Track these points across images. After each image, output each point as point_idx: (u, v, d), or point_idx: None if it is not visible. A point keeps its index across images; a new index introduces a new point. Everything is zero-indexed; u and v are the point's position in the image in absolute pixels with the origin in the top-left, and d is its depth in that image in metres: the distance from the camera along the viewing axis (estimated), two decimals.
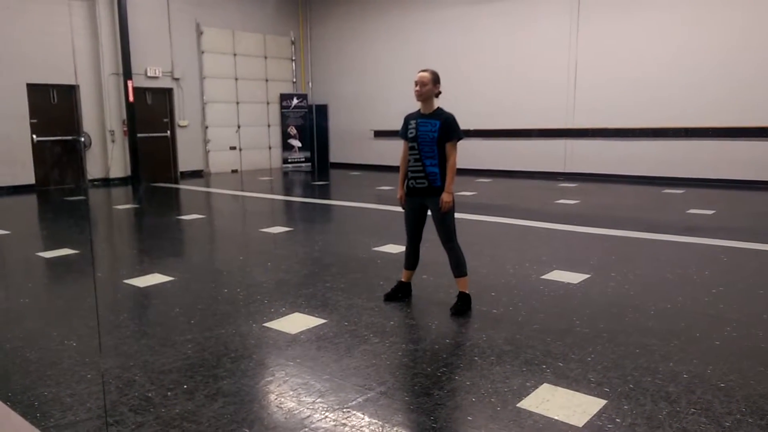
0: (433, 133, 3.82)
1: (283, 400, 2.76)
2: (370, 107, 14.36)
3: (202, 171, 13.84)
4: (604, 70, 10.99)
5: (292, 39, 15.33)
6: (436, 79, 3.88)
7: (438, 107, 3.91)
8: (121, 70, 11.97)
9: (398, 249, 5.56)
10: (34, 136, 11.16)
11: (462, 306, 3.90)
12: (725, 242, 5.78)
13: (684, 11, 10.10)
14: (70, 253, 5.86)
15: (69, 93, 11.59)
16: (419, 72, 3.90)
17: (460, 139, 3.86)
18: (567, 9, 11.28)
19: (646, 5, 10.43)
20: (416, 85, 3.87)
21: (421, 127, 3.86)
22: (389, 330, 3.63)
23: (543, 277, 4.71)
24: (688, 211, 7.62)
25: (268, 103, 15.04)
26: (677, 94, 10.28)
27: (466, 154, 12.47)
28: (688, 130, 10.30)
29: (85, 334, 3.62)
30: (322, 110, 15.63)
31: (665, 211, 7.83)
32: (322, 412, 2.63)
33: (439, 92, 3.92)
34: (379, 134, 14.30)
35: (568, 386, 2.83)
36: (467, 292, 3.97)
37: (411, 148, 3.92)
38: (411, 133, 3.91)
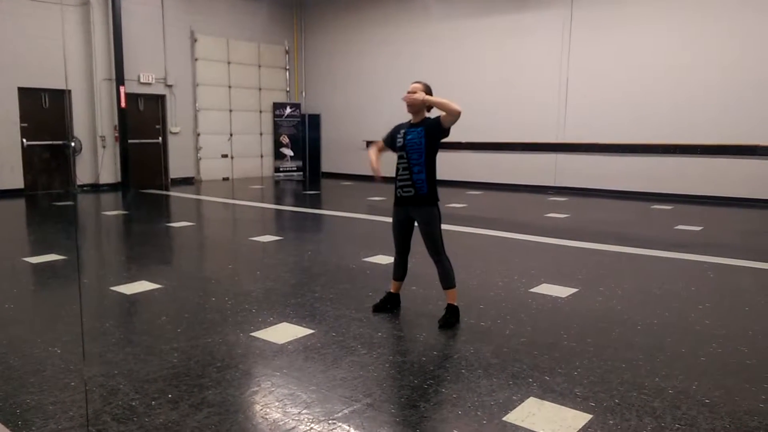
0: (420, 138, 3.85)
1: (268, 410, 2.74)
2: (362, 118, 14.40)
3: (193, 178, 13.79)
4: (595, 85, 11.10)
5: (286, 48, 15.37)
6: (428, 91, 3.91)
7: (426, 116, 3.94)
8: (113, 76, 11.94)
9: (388, 260, 5.56)
10: (24, 141, 11.09)
11: (450, 318, 3.91)
12: (712, 259, 5.82)
13: (674, 30, 10.23)
14: (57, 258, 5.80)
15: (61, 98, 11.53)
16: (413, 83, 3.93)
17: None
18: (559, 25, 11.40)
19: (637, 23, 10.56)
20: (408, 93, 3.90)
21: (409, 135, 3.90)
22: (377, 341, 3.62)
23: (531, 290, 4.72)
24: (676, 227, 7.68)
25: (260, 112, 15.04)
26: (667, 111, 10.39)
27: (457, 166, 12.59)
28: (677, 146, 10.39)
29: (70, 341, 3.58)
30: (315, 120, 15.65)
31: (653, 226, 7.89)
32: (308, 424, 2.61)
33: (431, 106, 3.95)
34: (371, 145, 14.32)
35: (555, 400, 2.84)
36: (456, 304, 3.97)
37: (400, 157, 3.95)
38: (399, 143, 3.94)
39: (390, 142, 4.05)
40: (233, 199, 11.21)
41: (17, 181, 11.04)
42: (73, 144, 11.72)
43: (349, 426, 2.60)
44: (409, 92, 3.90)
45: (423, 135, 3.85)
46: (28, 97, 11.07)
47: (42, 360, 3.29)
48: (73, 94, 11.67)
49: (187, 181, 13.58)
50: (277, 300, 4.46)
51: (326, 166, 15.78)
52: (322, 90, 15.42)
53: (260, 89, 14.94)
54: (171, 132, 13.23)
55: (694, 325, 3.92)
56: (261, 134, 15.13)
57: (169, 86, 13.04)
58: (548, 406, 2.78)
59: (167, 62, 12.93)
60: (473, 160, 12.72)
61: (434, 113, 3.97)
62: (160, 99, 13.05)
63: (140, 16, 12.31)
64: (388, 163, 3.98)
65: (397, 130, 4.03)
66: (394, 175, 4.00)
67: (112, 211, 9.52)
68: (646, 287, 4.82)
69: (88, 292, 4.74)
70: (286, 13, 15.28)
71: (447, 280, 3.97)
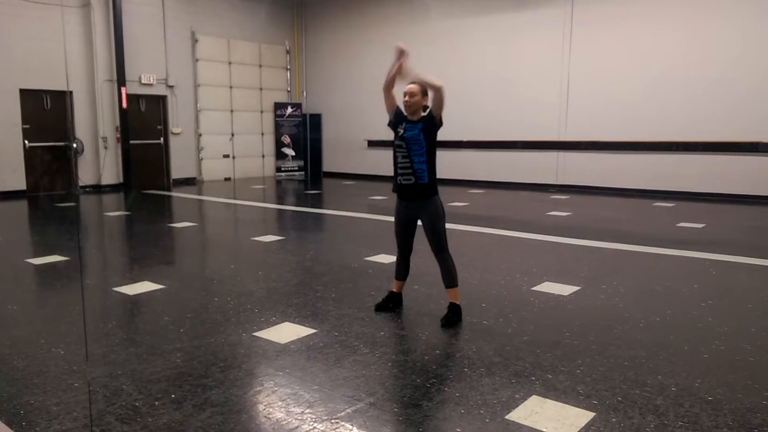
0: (419, 133, 3.86)
1: (271, 410, 2.75)
2: (363, 117, 14.39)
3: (194, 179, 13.80)
4: (597, 83, 11.09)
5: (287, 48, 15.38)
6: (424, 91, 3.91)
7: (423, 114, 3.94)
8: (115, 77, 11.95)
9: (390, 259, 5.56)
10: (26, 142, 11.11)
11: (452, 317, 3.91)
12: (714, 256, 5.81)
13: (676, 27, 10.21)
14: (60, 259, 5.82)
15: (62, 99, 11.54)
16: (408, 84, 3.93)
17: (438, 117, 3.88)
18: (560, 23, 11.38)
19: (639, 21, 10.54)
20: (405, 95, 3.90)
21: (408, 131, 3.90)
22: (379, 340, 3.62)
23: (533, 288, 4.72)
24: (678, 225, 7.67)
25: (262, 112, 15.05)
26: (669, 108, 10.37)
27: (459, 165, 12.59)
28: (678, 144, 10.39)
29: (73, 341, 3.59)
30: (316, 119, 15.66)
31: (655, 224, 7.88)
32: (311, 423, 2.62)
33: (428, 106, 3.95)
34: (373, 144, 14.33)
35: (557, 398, 2.84)
36: (458, 303, 3.97)
37: (399, 147, 3.93)
38: (400, 132, 3.93)
39: (394, 122, 3.98)
40: (235, 199, 11.22)
41: (19, 183, 11.06)
42: (74, 145, 11.73)
43: (352, 425, 2.60)
44: (405, 92, 3.89)
45: (422, 130, 3.86)
46: (30, 98, 11.09)
47: (45, 361, 3.29)
48: (74, 95, 11.69)
49: (188, 182, 13.59)
50: (280, 300, 4.46)
51: (327, 165, 15.79)
52: (323, 90, 15.42)
53: (261, 89, 14.95)
54: (172, 132, 13.24)
55: (696, 323, 3.92)
56: (262, 134, 15.14)
57: (171, 87, 13.05)
58: (551, 404, 2.78)
59: (168, 63, 12.94)
60: (475, 158, 12.72)
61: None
62: (161, 100, 13.06)
63: (141, 17, 12.33)
64: (386, 162, 3.97)
65: (399, 117, 3.98)
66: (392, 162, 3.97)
67: (114, 211, 9.54)
68: (648, 285, 4.82)
69: (90, 293, 4.75)
70: (286, 13, 15.28)
71: (449, 278, 3.97)
